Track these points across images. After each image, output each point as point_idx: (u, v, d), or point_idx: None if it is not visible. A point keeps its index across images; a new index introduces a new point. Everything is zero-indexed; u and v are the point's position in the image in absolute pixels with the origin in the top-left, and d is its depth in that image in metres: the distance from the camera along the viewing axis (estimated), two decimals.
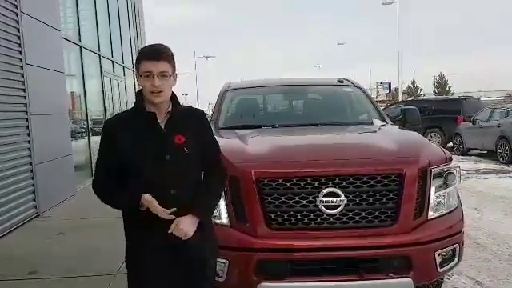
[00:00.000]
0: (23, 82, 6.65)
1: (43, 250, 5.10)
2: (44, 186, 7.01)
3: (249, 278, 2.90)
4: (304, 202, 2.91)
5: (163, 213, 2.03)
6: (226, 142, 3.54)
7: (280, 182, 2.92)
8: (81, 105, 10.31)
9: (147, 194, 2.03)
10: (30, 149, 6.72)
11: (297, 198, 2.91)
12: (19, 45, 6.61)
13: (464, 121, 14.62)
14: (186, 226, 2.06)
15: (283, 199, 2.92)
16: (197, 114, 2.29)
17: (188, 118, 2.21)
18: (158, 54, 2.08)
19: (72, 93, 9.80)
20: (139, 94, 2.16)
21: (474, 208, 6.89)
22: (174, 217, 2.05)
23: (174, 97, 2.18)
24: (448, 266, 3.12)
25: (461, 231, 3.21)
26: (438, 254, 3.01)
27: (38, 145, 6.87)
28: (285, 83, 5.43)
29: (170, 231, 2.03)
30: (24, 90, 6.66)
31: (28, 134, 6.70)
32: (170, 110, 2.15)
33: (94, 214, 6.24)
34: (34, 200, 6.80)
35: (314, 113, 4.82)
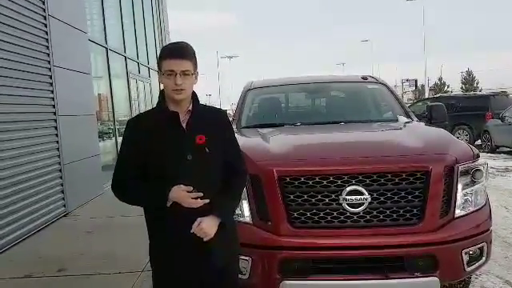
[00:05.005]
0: (51, 83, 6.80)
1: (72, 248, 5.21)
2: (72, 185, 7.17)
3: (272, 276, 2.91)
4: (327, 200, 2.89)
5: (189, 198, 2.02)
6: (249, 140, 3.56)
7: (302, 180, 2.91)
8: (108, 106, 10.48)
9: (175, 187, 2.02)
10: (58, 149, 6.88)
11: (319, 196, 2.90)
12: (47, 47, 6.77)
13: (492, 118, 14.26)
14: (208, 226, 2.05)
15: (306, 197, 2.91)
16: (218, 114, 2.28)
17: (209, 118, 2.20)
18: (180, 52, 2.08)
19: (99, 94, 9.98)
20: (162, 94, 2.18)
21: (504, 206, 6.71)
22: (200, 202, 2.04)
23: (194, 96, 2.19)
24: (475, 265, 3.05)
25: (489, 229, 3.13)
26: (465, 253, 2.95)
27: (66, 145, 7.03)
28: (307, 81, 5.39)
29: (191, 231, 2.02)
30: (52, 91, 6.82)
31: (56, 135, 6.86)
32: (190, 108, 2.16)
33: (121, 213, 6.36)
34: (63, 199, 6.96)
35: (337, 110, 4.78)
